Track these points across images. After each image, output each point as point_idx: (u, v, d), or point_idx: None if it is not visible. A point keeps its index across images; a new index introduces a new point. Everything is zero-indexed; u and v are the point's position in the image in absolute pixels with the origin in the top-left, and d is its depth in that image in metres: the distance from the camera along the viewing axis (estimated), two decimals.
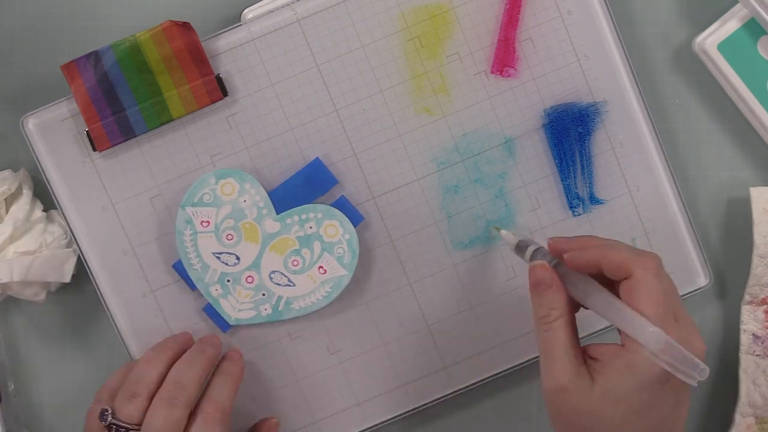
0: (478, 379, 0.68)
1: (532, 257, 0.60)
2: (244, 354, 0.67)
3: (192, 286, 0.66)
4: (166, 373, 0.61)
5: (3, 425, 0.67)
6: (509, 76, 0.67)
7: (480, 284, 0.67)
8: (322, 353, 0.68)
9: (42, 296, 0.66)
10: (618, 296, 0.55)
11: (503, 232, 0.65)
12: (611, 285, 0.56)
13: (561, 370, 0.54)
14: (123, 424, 0.59)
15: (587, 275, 0.56)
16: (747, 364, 0.68)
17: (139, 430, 0.59)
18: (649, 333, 0.52)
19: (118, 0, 0.68)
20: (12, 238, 0.65)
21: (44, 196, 0.67)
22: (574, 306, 0.57)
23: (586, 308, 0.56)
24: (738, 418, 0.68)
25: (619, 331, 0.54)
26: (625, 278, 0.54)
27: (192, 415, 0.61)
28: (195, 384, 0.61)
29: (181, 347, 0.64)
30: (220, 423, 0.60)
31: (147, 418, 0.59)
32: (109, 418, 0.60)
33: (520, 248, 0.62)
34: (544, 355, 0.55)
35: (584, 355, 0.55)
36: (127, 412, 0.59)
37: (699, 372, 0.52)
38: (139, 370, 0.61)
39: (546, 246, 0.60)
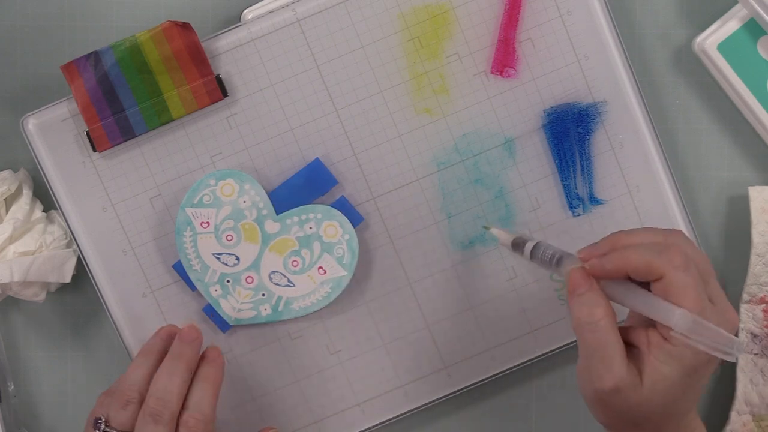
0: (478, 379, 0.68)
1: (533, 253, 0.60)
2: (244, 354, 0.67)
3: (192, 286, 0.66)
4: None
5: (3, 425, 0.67)
6: (509, 76, 0.67)
7: (480, 284, 0.67)
8: (322, 353, 0.68)
9: (42, 296, 0.66)
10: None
11: (495, 230, 0.65)
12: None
13: (615, 371, 0.54)
14: None
15: None
16: (744, 362, 0.68)
17: None
18: (677, 316, 0.52)
19: (118, 0, 0.68)
20: (12, 239, 0.65)
21: (44, 196, 0.67)
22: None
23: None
24: (734, 416, 0.68)
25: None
26: (656, 280, 0.54)
27: (177, 425, 0.59)
28: (176, 396, 0.59)
29: (166, 346, 0.62)
30: None
31: None
32: (102, 426, 0.59)
33: (517, 245, 0.62)
34: (594, 357, 0.54)
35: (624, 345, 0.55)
36: (121, 420, 0.59)
37: (736, 348, 0.52)
38: (130, 376, 0.60)
39: (543, 240, 0.60)
